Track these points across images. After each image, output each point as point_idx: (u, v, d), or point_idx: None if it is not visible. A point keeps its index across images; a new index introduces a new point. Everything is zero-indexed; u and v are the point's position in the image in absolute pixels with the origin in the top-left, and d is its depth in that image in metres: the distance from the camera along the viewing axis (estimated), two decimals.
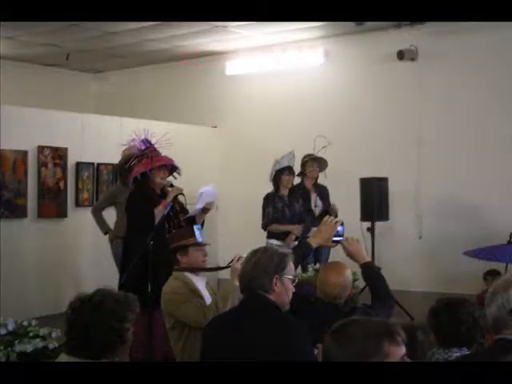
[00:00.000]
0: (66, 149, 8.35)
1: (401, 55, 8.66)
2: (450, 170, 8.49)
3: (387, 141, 8.96)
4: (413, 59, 8.74)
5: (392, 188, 8.14)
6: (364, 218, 8.03)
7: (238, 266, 4.03)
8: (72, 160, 8.38)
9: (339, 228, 4.00)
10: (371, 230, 8.01)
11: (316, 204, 7.71)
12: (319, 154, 7.79)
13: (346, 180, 8.73)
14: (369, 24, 8.41)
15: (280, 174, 7.34)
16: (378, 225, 8.01)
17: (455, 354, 3.30)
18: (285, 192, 7.36)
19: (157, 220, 5.26)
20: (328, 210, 7.48)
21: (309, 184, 7.78)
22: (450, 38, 8.51)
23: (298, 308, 3.55)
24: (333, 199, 7.90)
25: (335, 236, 3.99)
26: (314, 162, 7.77)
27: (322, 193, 7.80)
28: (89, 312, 2.73)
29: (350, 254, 3.97)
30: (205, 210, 5.57)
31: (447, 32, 8.48)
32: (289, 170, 7.37)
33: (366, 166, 8.67)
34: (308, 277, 6.76)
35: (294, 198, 7.39)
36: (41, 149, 8.18)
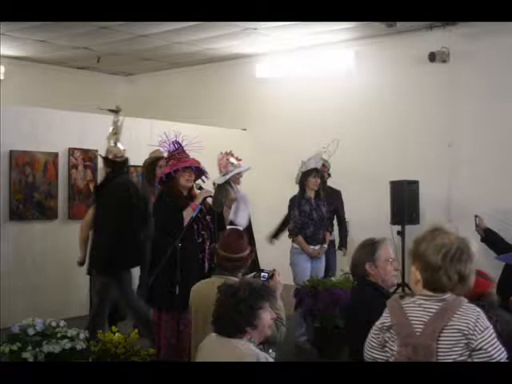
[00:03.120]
0: (96, 151, 8.40)
1: (432, 57, 8.56)
2: (482, 174, 8.37)
3: (419, 144, 8.87)
4: (444, 61, 8.64)
5: (423, 191, 8.05)
6: (394, 221, 7.95)
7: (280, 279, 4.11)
8: (102, 162, 8.40)
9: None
10: (401, 233, 7.93)
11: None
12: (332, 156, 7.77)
13: (376, 183, 8.67)
14: (399, 26, 8.34)
15: (306, 175, 7.26)
16: (409, 228, 7.92)
17: None
18: (311, 194, 7.28)
19: (186, 222, 5.24)
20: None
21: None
22: (482, 39, 8.40)
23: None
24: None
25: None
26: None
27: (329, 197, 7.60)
28: (226, 297, 3.32)
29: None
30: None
31: (479, 33, 8.38)
32: (315, 171, 7.28)
33: (397, 169, 8.59)
34: (337, 281, 6.71)
35: (320, 201, 7.31)
36: (71, 151, 8.26)
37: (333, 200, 7.67)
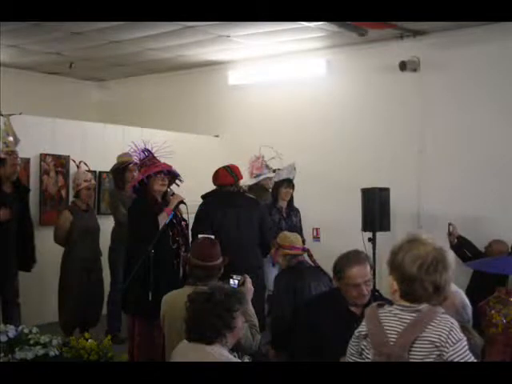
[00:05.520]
0: (68, 157, 8.36)
1: (403, 66, 8.67)
2: (451, 181, 8.48)
3: (388, 151, 8.96)
4: (415, 70, 8.75)
5: (394, 198, 8.13)
6: (365, 228, 8.02)
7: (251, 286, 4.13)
8: (74, 168, 8.37)
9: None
10: (372, 240, 8.00)
11: None
12: (270, 165, 7.85)
13: (347, 190, 8.74)
14: (371, 35, 8.43)
15: (279, 186, 7.33)
16: (379, 235, 8.00)
17: None
18: (283, 204, 7.35)
19: (160, 227, 5.26)
20: None
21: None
22: (452, 49, 8.52)
23: None
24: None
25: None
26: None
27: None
28: (201, 302, 3.36)
29: None
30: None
31: (449, 43, 8.51)
32: (288, 182, 7.36)
33: (367, 176, 8.67)
34: None
35: (292, 211, 7.39)
36: (43, 156, 8.21)
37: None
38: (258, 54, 9.82)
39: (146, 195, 5.43)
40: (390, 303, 2.84)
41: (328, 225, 8.70)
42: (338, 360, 3.29)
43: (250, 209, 5.98)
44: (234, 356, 3.46)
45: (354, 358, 2.86)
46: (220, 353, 3.27)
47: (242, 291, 3.93)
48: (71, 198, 7.83)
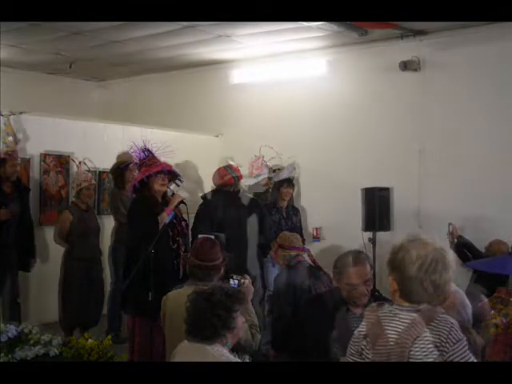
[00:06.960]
0: (68, 156, 8.36)
1: (403, 66, 8.67)
2: (451, 181, 8.48)
3: (390, 151, 8.96)
4: (415, 70, 8.75)
5: (394, 198, 8.13)
6: (366, 228, 8.02)
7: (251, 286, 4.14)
8: (74, 168, 8.38)
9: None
10: (373, 240, 8.00)
11: None
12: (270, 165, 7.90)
13: (347, 190, 8.74)
14: (372, 35, 8.43)
15: (279, 186, 7.36)
16: (380, 235, 8.00)
17: None
18: (283, 204, 7.36)
19: (160, 227, 5.26)
20: None
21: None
22: (452, 48, 8.53)
23: None
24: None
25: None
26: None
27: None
28: (201, 302, 3.37)
29: None
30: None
31: (450, 43, 8.52)
32: (288, 182, 7.38)
33: (368, 176, 8.67)
34: None
35: (292, 211, 7.40)
36: (43, 156, 8.21)
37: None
38: (259, 54, 9.82)
39: (146, 195, 5.43)
40: (390, 303, 2.83)
41: (328, 225, 8.71)
42: (338, 360, 3.29)
43: (250, 209, 5.98)
44: (234, 356, 3.46)
45: (354, 358, 2.86)
46: (220, 353, 3.27)
47: (242, 291, 3.93)
48: (71, 198, 7.84)
